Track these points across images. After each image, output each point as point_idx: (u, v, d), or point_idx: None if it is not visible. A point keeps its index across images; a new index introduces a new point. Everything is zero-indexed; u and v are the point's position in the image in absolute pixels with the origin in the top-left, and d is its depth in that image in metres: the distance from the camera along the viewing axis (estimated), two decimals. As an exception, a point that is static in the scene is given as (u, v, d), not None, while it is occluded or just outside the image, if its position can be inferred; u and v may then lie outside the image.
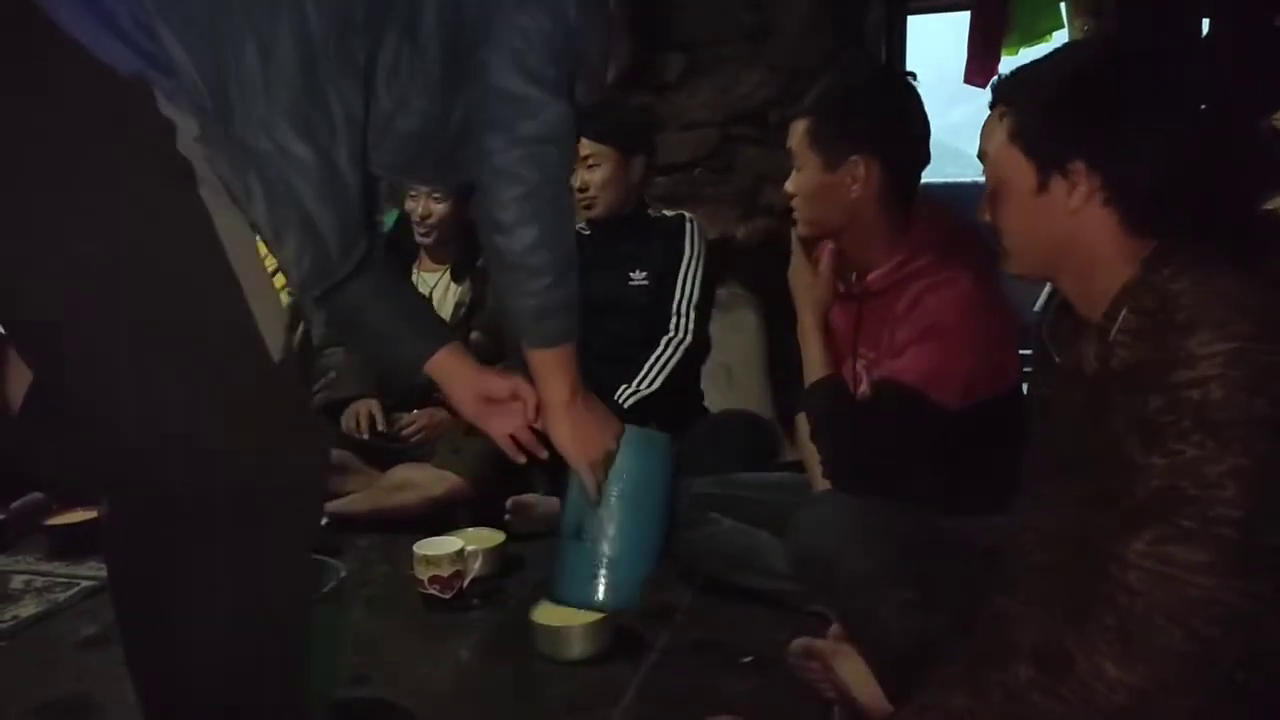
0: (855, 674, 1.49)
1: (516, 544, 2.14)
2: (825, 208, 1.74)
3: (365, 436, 2.53)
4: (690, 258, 2.43)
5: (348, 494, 2.39)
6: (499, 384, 1.33)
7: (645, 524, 1.40)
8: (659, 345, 2.37)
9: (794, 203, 1.79)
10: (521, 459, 1.38)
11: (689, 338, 2.38)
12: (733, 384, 2.81)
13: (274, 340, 0.96)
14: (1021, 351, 1.68)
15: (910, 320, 1.67)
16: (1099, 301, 1.11)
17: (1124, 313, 1.07)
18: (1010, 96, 1.16)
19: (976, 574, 1.40)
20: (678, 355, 2.36)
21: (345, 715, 1.55)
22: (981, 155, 1.20)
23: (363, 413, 2.54)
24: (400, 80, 1.06)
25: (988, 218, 1.21)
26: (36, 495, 2.39)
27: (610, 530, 1.37)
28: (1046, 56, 1.21)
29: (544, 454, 1.37)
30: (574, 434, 1.28)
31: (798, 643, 1.59)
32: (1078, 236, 1.12)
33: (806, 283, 1.80)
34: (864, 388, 1.76)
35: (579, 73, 1.15)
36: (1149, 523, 1.00)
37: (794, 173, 1.77)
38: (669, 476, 1.45)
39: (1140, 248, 1.09)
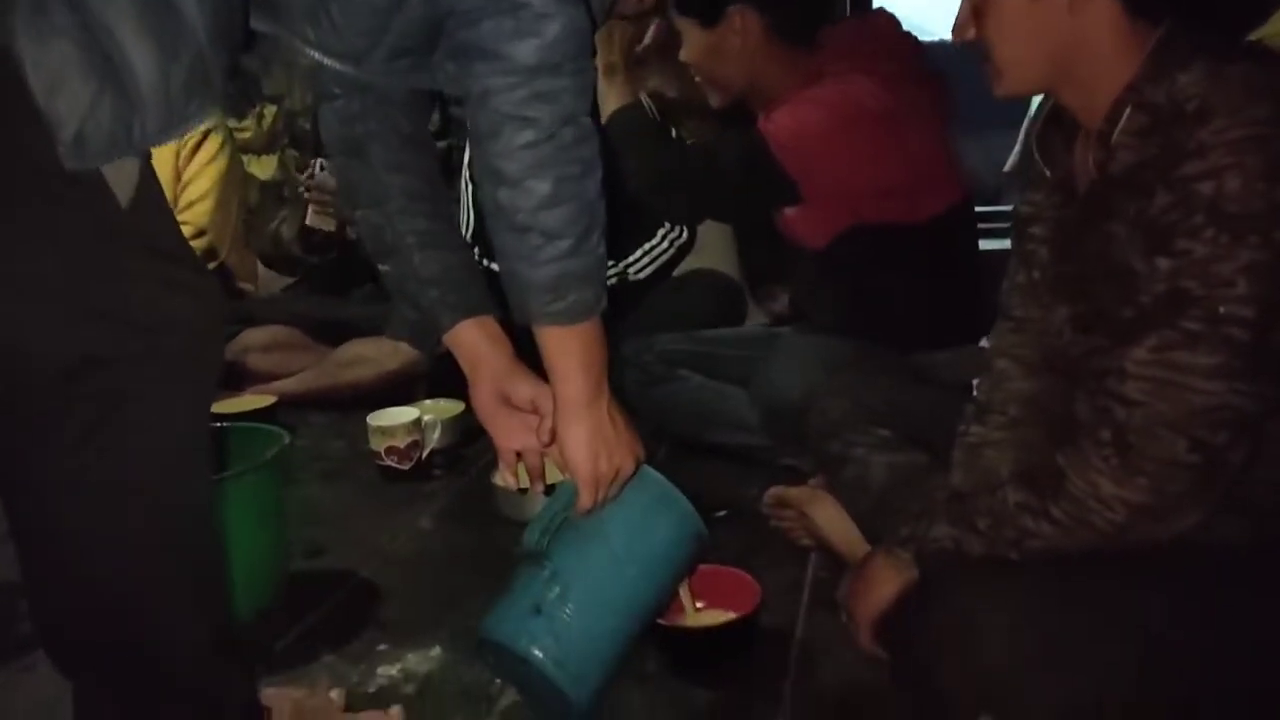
0: (831, 519, 1.43)
1: (478, 414, 2.05)
2: (719, 67, 1.70)
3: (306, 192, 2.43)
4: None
5: (297, 372, 2.28)
6: (522, 387, 1.07)
7: (624, 607, 1.09)
8: (655, 236, 2.25)
9: (694, 73, 1.76)
10: (514, 482, 1.17)
11: (685, 234, 2.26)
12: (697, 243, 2.68)
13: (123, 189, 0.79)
14: (985, 209, 1.62)
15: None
16: (1103, 107, 1.01)
17: (1128, 111, 0.97)
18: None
19: (953, 408, 1.34)
20: (672, 251, 2.25)
21: (302, 587, 1.48)
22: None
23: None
24: None
25: (970, 35, 1.08)
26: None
27: (581, 581, 1.06)
28: None
29: (541, 488, 1.14)
30: (587, 442, 0.99)
31: (772, 492, 1.53)
32: (1079, 35, 1.00)
33: None
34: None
35: None
36: (1152, 329, 0.92)
37: (684, 45, 1.72)
38: (679, 568, 1.16)
39: (1144, 39, 0.98)
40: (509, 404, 1.09)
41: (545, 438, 1.05)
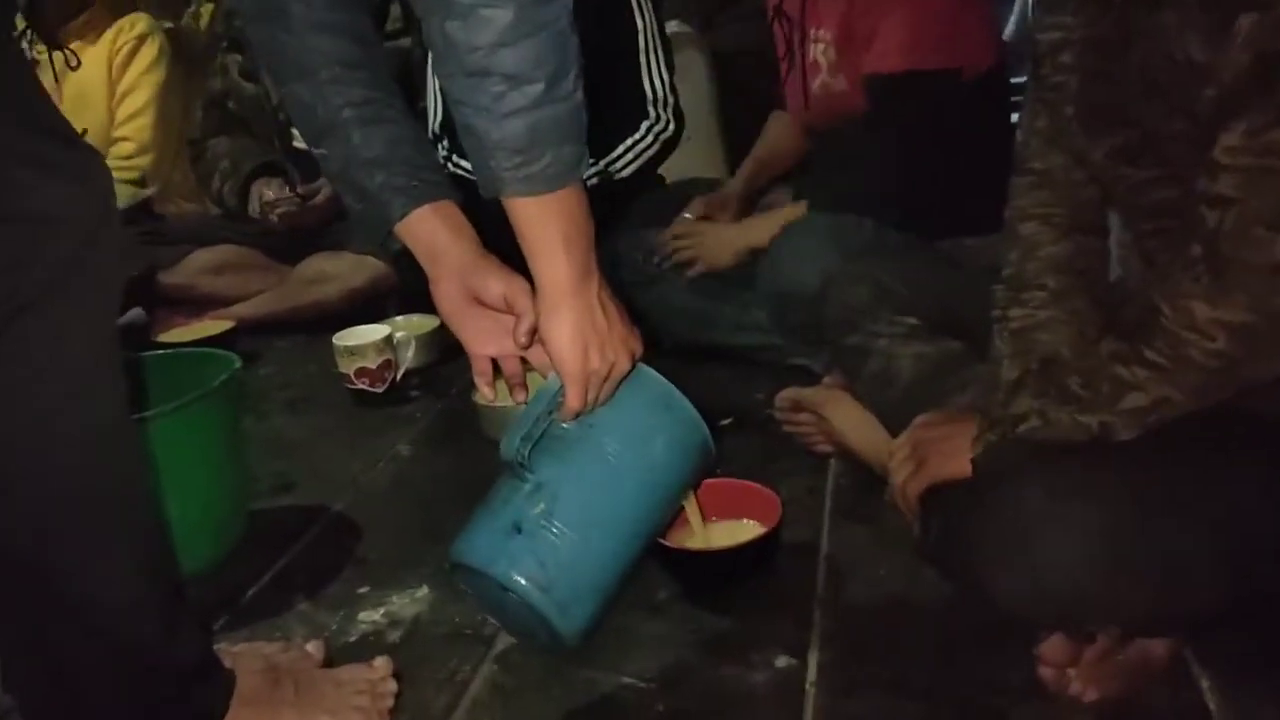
0: (852, 421, 1.29)
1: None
2: None
3: (276, 218, 2.20)
4: (645, 26, 2.04)
5: (256, 294, 2.11)
6: (492, 281, 0.90)
7: (621, 525, 0.94)
8: (639, 130, 2.04)
9: None
10: (490, 394, 1.00)
11: (670, 126, 2.05)
12: (681, 145, 2.50)
13: None
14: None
15: None
16: None
17: None
18: None
19: (986, 292, 1.19)
20: (657, 146, 2.04)
21: (270, 527, 1.34)
22: None
23: (267, 196, 2.20)
24: None
25: None
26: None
27: (569, 495, 0.92)
28: None
29: (523, 399, 0.98)
30: (574, 333, 0.85)
31: (784, 394, 1.39)
32: None
33: None
34: (823, 76, 1.52)
35: None
36: (1239, 112, 0.77)
37: None
38: (684, 479, 1.01)
39: None
40: (478, 303, 0.93)
41: (524, 339, 0.90)
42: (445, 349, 1.86)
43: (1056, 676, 0.87)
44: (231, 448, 1.24)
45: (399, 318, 1.91)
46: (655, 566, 1.13)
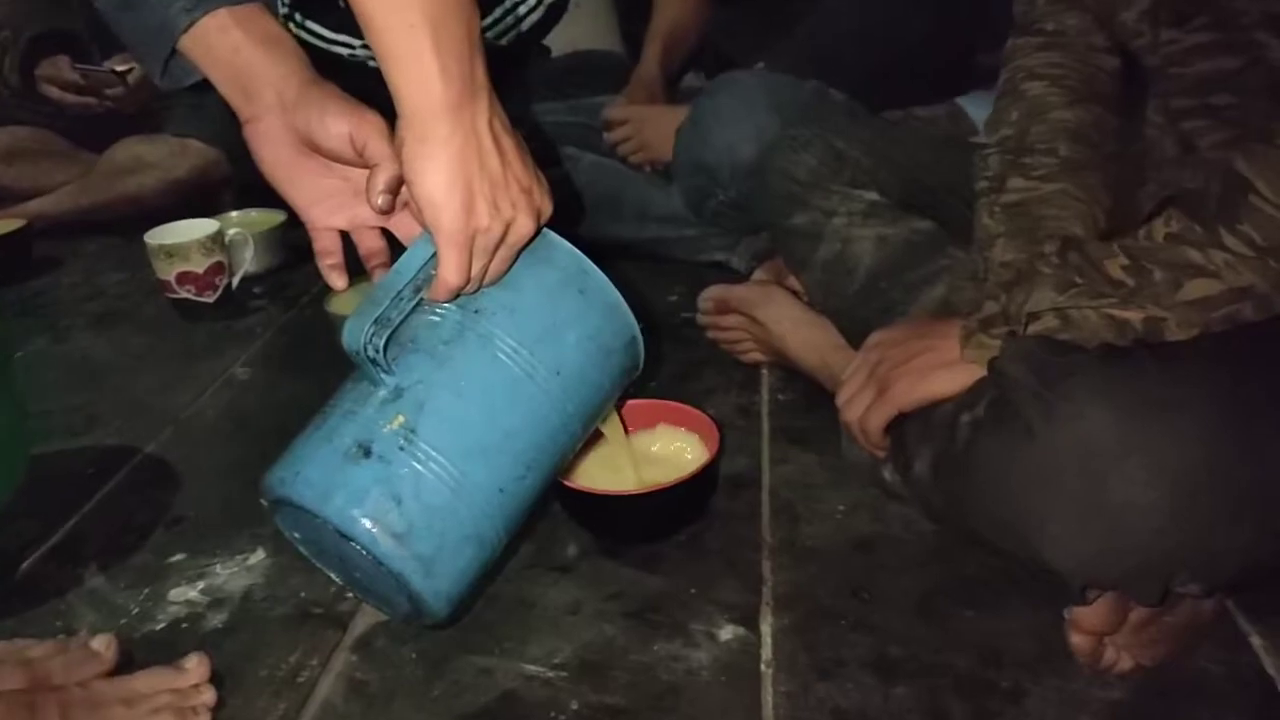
0: (791, 320, 1.07)
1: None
2: None
3: (75, 95, 1.81)
4: None
5: (56, 187, 1.73)
6: (333, 118, 0.65)
7: (514, 449, 0.68)
8: None
9: None
10: (343, 284, 0.73)
11: None
12: (570, 13, 2.17)
13: None
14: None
15: None
16: None
17: None
18: None
19: (960, 161, 0.97)
20: (541, 11, 1.70)
21: (57, 475, 1.04)
22: None
23: (58, 68, 1.81)
24: None
25: None
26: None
27: (441, 406, 0.65)
28: None
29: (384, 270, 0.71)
30: (452, 175, 0.59)
31: (709, 293, 1.15)
32: None
33: None
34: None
35: None
36: None
37: None
38: (603, 391, 0.74)
39: None
40: (314, 152, 0.67)
41: (382, 199, 0.64)
42: (292, 249, 1.55)
43: (1092, 645, 0.68)
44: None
45: (234, 214, 1.59)
46: (559, 514, 0.89)
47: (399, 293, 0.64)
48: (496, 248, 0.64)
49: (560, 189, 0.68)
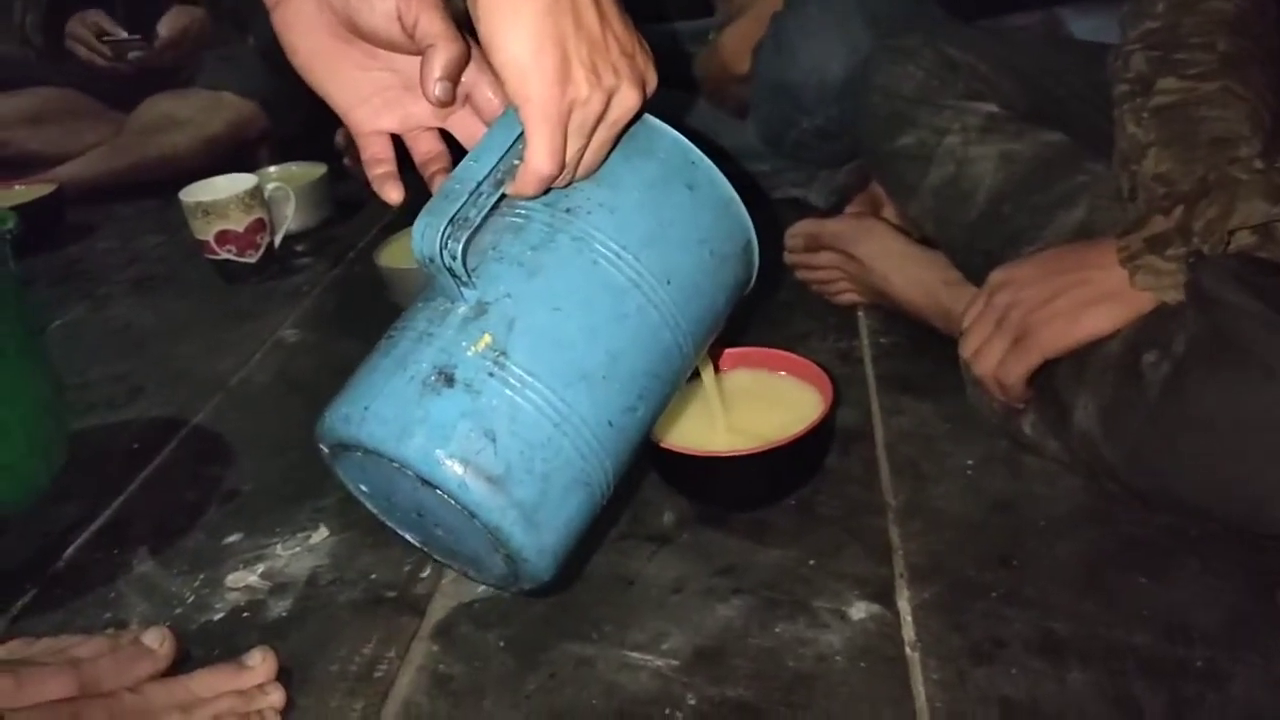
0: (892, 256, 0.96)
1: (355, 182, 1.45)
2: None
3: (103, 59, 1.73)
4: None
5: (87, 149, 1.65)
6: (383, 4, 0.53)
7: (619, 380, 0.56)
8: None
9: None
10: (397, 196, 0.59)
11: None
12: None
13: None
14: None
15: None
16: None
17: None
18: None
19: (1088, 65, 0.85)
20: None
21: (101, 451, 0.96)
22: None
23: (86, 25, 1.72)
24: None
25: None
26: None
27: (533, 323, 0.54)
28: None
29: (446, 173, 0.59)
30: (541, 35, 0.48)
31: (798, 228, 1.04)
32: None
33: None
34: None
35: None
36: None
37: None
38: (716, 305, 0.62)
39: None
40: (356, 36, 0.55)
41: (438, 87, 0.52)
42: (338, 204, 1.46)
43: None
44: (20, 348, 0.84)
45: (273, 169, 1.50)
46: (646, 474, 0.79)
47: (478, 185, 0.52)
48: (595, 126, 0.52)
49: (664, 57, 0.55)
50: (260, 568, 0.78)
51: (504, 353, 0.52)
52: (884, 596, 0.68)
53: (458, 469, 0.51)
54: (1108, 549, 0.69)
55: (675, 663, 0.64)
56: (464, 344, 0.53)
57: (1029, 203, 0.81)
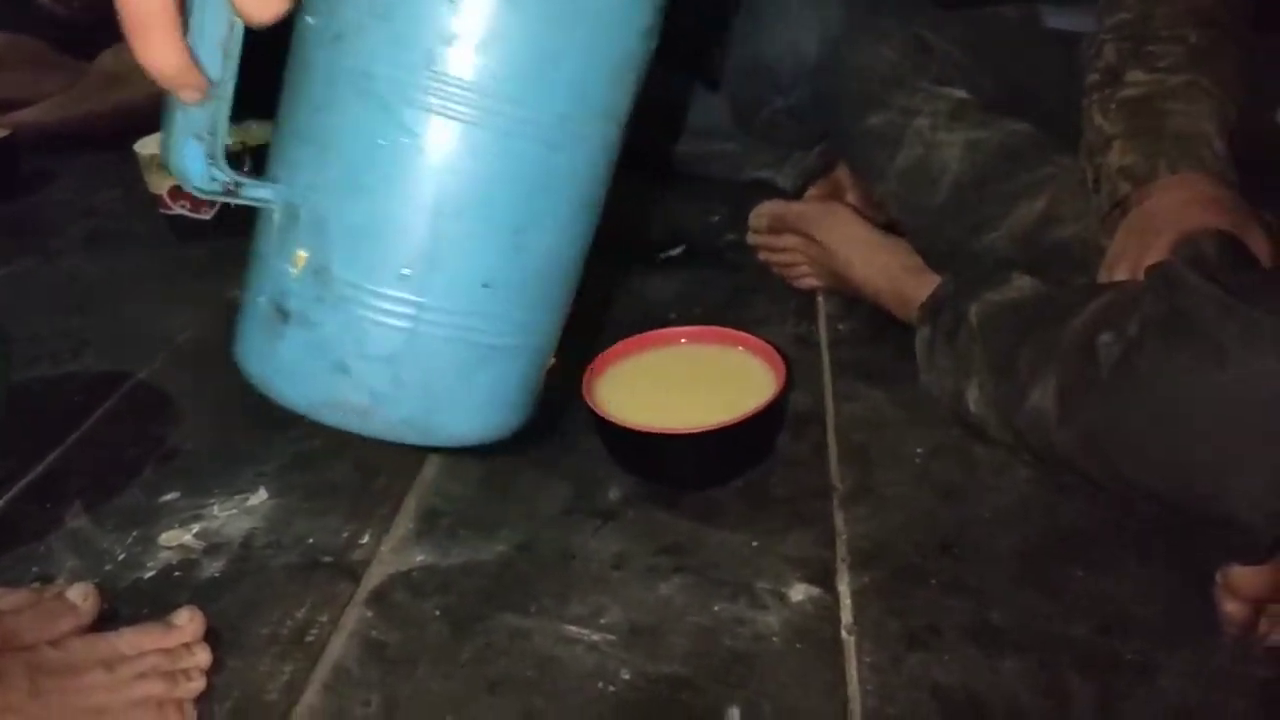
0: (855, 240, 0.95)
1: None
2: None
3: (65, 8, 1.69)
4: None
5: (44, 97, 1.61)
6: None
7: (467, 217, 0.45)
8: None
9: None
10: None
11: None
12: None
13: None
14: None
15: None
16: None
17: None
18: None
19: (1057, 57, 0.85)
20: None
21: (42, 404, 0.94)
22: None
23: None
24: None
25: None
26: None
27: (342, 211, 0.45)
28: None
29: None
30: None
31: (762, 210, 1.03)
32: None
33: None
34: None
35: None
36: None
37: None
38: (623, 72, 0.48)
39: None
40: None
41: None
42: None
43: (1247, 614, 0.57)
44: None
45: (234, 125, 1.46)
46: (596, 451, 0.78)
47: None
48: None
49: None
50: (196, 527, 0.76)
51: (324, 268, 0.45)
52: (824, 580, 0.67)
53: (325, 412, 0.47)
54: (1051, 541, 0.69)
55: (612, 637, 0.64)
56: (286, 266, 0.46)
57: (994, 191, 0.81)
